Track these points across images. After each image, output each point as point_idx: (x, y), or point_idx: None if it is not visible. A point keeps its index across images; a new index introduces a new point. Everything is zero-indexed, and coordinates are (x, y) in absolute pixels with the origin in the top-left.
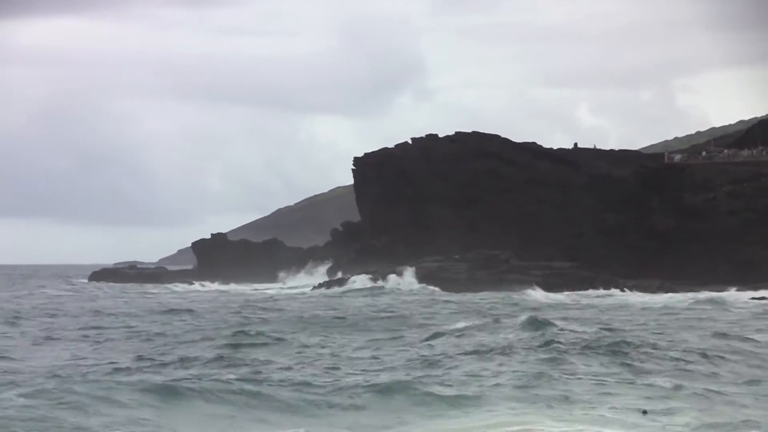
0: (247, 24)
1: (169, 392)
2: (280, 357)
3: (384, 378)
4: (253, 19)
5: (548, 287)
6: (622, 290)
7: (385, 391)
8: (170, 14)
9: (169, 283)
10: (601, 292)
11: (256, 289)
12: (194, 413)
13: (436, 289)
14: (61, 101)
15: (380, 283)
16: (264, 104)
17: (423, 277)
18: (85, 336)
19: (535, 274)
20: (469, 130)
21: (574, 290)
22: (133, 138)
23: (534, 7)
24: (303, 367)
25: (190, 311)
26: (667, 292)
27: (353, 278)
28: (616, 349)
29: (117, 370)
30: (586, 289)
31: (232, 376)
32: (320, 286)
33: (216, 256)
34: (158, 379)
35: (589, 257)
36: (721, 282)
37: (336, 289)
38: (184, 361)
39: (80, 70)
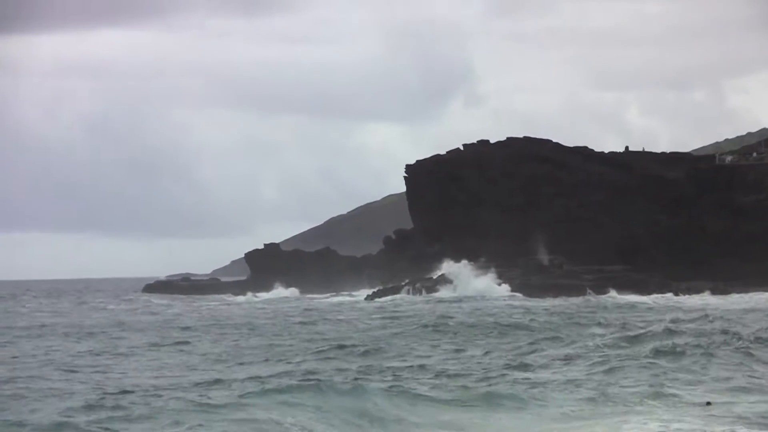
0: (297, 31)
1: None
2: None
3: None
4: (304, 26)
5: (599, 291)
6: (676, 294)
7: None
8: (220, 23)
9: (223, 293)
10: (657, 296)
11: (313, 299)
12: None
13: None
14: (113, 113)
15: (440, 292)
16: (316, 112)
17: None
18: (178, 349)
19: (587, 278)
20: (521, 135)
21: (625, 293)
22: (186, 148)
23: (583, 11)
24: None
25: (251, 323)
26: (721, 293)
27: (406, 287)
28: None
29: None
30: (641, 293)
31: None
32: (375, 294)
33: (269, 266)
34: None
35: (642, 260)
36: None
37: (396, 297)
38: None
39: (131, 80)
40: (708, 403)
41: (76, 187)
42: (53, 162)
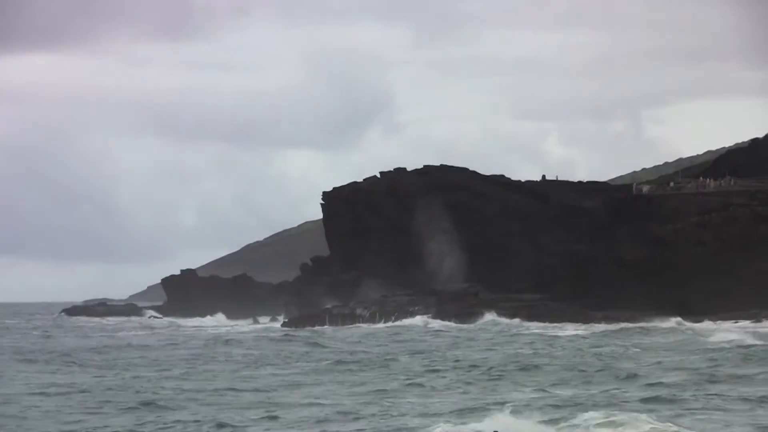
0: (219, 59)
1: None
2: None
3: None
4: (225, 53)
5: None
6: (599, 322)
7: None
8: (143, 50)
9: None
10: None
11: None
12: None
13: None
14: (32, 138)
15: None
16: (235, 139)
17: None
18: None
19: (504, 306)
20: (438, 164)
21: (543, 322)
22: (105, 174)
23: (504, 40)
24: None
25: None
26: (638, 322)
27: (323, 316)
28: None
29: None
30: (557, 321)
31: None
32: (291, 323)
33: (186, 291)
34: None
35: (559, 289)
36: (690, 312)
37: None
38: None
39: (51, 106)
40: None
41: None
42: None
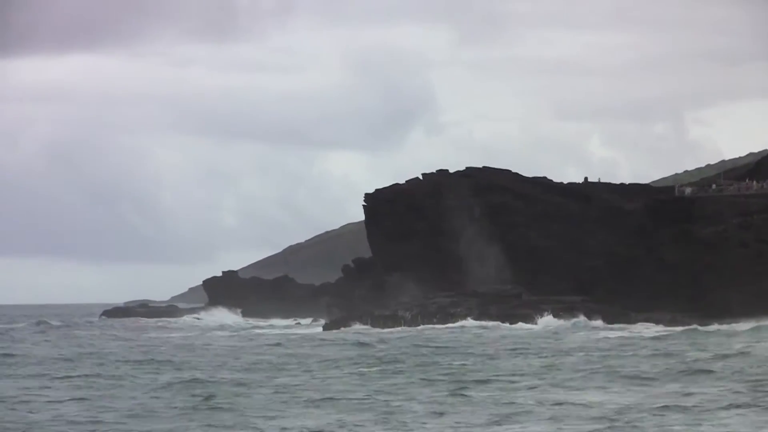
0: (260, 59)
1: None
2: None
3: None
4: (267, 54)
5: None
6: (645, 323)
7: None
8: (183, 50)
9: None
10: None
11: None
12: None
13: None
14: (74, 138)
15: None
16: (277, 139)
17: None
18: None
19: (545, 308)
20: (481, 165)
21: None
22: (146, 174)
23: (546, 41)
24: None
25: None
26: (678, 325)
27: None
28: None
29: None
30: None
31: None
32: (331, 325)
33: (227, 293)
34: None
35: (600, 291)
36: (732, 314)
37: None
38: None
39: (93, 106)
40: None
41: (35, 212)
42: (12, 187)
